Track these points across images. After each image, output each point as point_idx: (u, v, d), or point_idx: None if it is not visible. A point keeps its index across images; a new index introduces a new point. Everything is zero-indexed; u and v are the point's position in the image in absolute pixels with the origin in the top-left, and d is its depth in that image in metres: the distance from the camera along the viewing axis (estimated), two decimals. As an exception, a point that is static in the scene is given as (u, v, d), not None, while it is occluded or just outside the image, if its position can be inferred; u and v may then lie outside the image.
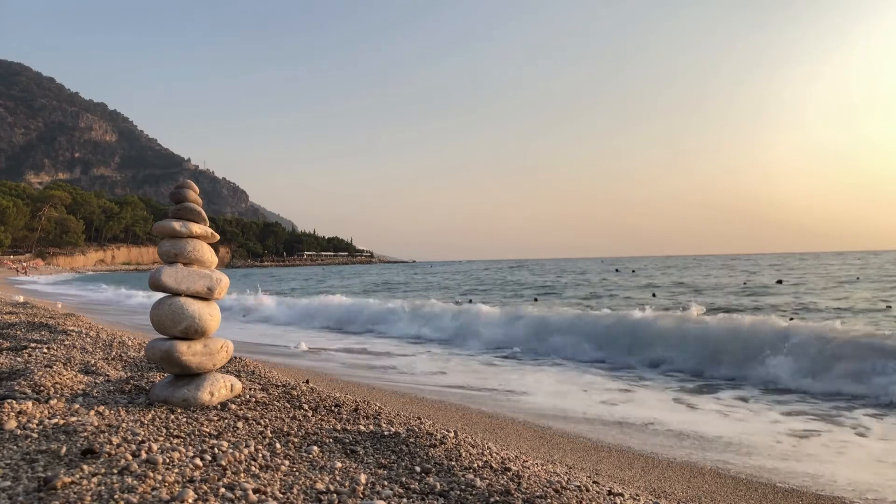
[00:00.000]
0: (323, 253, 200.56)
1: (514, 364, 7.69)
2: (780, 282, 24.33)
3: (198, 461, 1.98)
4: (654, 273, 38.18)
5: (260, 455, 2.14)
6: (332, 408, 3.07)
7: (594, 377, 6.65)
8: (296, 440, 2.40)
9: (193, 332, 2.74)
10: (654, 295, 21.29)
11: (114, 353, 4.55)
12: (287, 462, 2.12)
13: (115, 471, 1.85)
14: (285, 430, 2.53)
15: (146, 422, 2.45)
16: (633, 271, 44.13)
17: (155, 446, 2.10)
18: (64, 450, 2.01)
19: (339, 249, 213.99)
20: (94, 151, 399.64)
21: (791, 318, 11.15)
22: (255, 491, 1.81)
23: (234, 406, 2.84)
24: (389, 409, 3.39)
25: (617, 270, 44.92)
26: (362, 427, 2.70)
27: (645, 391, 5.90)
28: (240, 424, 2.54)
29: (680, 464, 3.74)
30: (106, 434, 2.19)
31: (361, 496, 1.87)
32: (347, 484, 1.95)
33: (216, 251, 3.09)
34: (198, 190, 3.02)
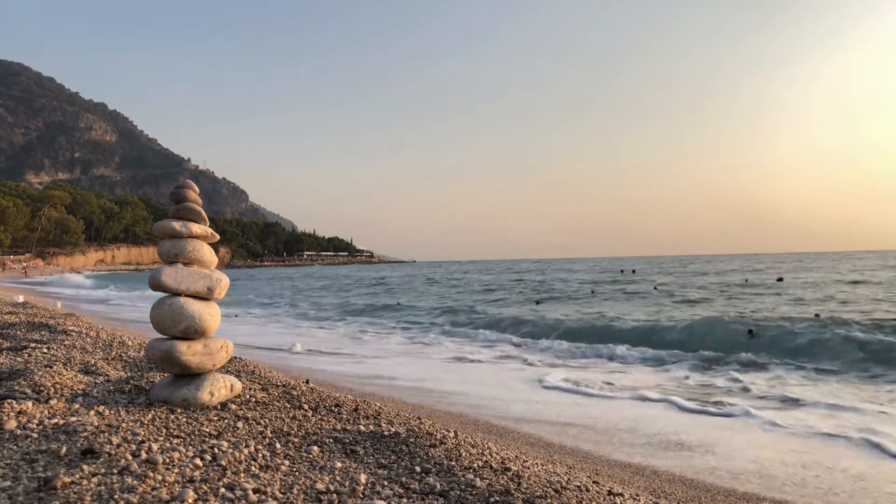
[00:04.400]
0: (323, 253, 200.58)
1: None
2: (780, 279, 24.40)
3: (198, 461, 1.98)
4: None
5: (260, 455, 2.14)
6: (332, 408, 3.07)
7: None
8: (296, 440, 2.40)
9: (193, 332, 2.74)
10: (655, 288, 21.24)
11: (114, 353, 4.55)
12: (287, 462, 2.12)
13: (115, 471, 1.85)
14: (285, 430, 2.53)
15: (146, 422, 2.45)
16: (634, 271, 44.29)
17: (155, 446, 2.09)
18: (64, 450, 2.01)
19: (339, 249, 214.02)
20: (94, 151, 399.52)
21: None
22: (255, 491, 1.81)
23: (234, 406, 2.84)
24: (389, 409, 3.39)
25: (622, 271, 45.00)
26: (362, 427, 2.70)
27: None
28: (240, 424, 2.54)
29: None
30: (106, 434, 2.19)
31: (361, 496, 1.87)
32: (347, 484, 1.95)
33: (216, 251, 3.08)
34: (198, 190, 3.02)
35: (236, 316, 16.36)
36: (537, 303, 19.66)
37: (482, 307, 17.57)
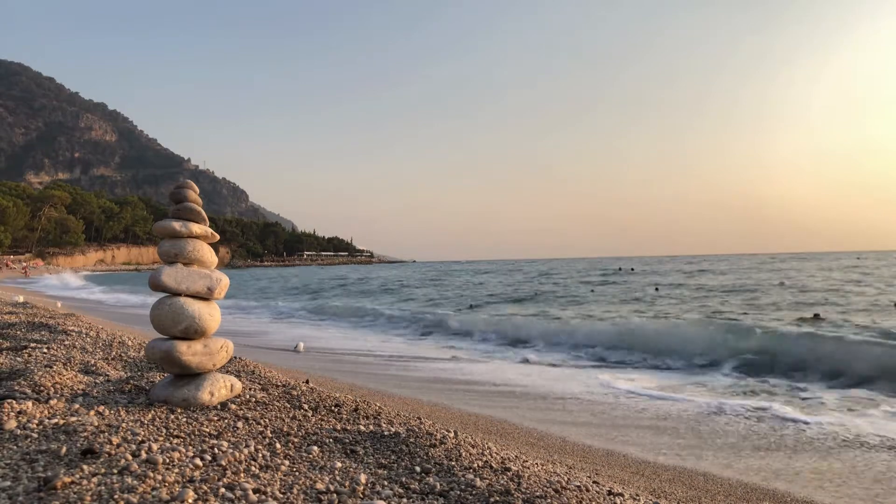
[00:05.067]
0: (323, 253, 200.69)
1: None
2: (781, 283, 24.36)
3: (198, 461, 1.98)
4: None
5: (260, 455, 2.14)
6: (332, 408, 3.07)
7: None
8: (296, 440, 2.40)
9: (193, 332, 2.74)
10: (656, 289, 21.39)
11: (114, 353, 4.55)
12: (287, 462, 2.12)
13: (115, 471, 1.85)
14: (285, 430, 2.53)
15: (146, 422, 2.45)
16: (632, 269, 44.53)
17: (155, 446, 2.09)
18: (64, 450, 2.01)
19: (339, 249, 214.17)
20: (94, 151, 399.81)
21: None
22: (255, 491, 1.81)
23: (234, 406, 2.84)
24: (389, 409, 3.39)
25: (620, 269, 45.22)
26: (362, 427, 2.70)
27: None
28: (240, 424, 2.54)
29: (680, 465, 3.74)
30: (106, 434, 2.19)
31: (361, 496, 1.87)
32: (347, 484, 1.95)
33: (216, 251, 3.08)
34: (198, 190, 3.02)
35: (265, 311, 16.01)
36: (535, 294, 19.88)
37: (492, 307, 17.49)
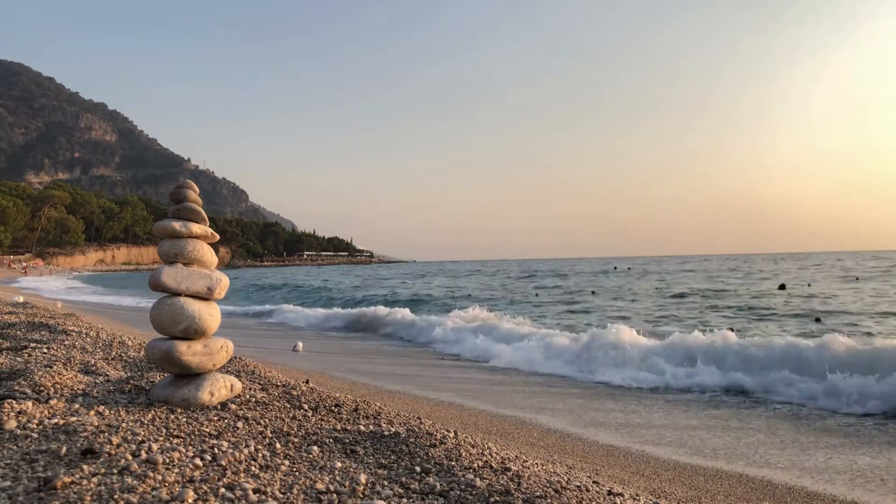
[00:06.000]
0: (323, 253, 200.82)
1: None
2: (782, 286, 24.25)
3: (198, 461, 1.98)
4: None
5: (260, 455, 2.14)
6: (332, 408, 3.07)
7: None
8: (296, 440, 2.40)
9: (193, 332, 2.74)
10: (657, 288, 21.42)
11: (114, 353, 4.55)
12: (287, 462, 2.12)
13: (115, 471, 1.85)
14: (285, 430, 2.53)
15: (146, 422, 2.45)
16: (629, 268, 44.61)
17: (155, 446, 2.09)
18: (64, 450, 2.01)
19: (339, 249, 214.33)
20: (94, 151, 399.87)
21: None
22: (255, 491, 1.81)
23: (234, 406, 2.84)
24: (389, 408, 3.39)
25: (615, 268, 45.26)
26: (362, 427, 2.70)
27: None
28: (240, 424, 2.54)
29: (680, 464, 3.74)
30: (106, 434, 2.19)
31: (361, 496, 1.87)
32: (347, 484, 1.95)
33: (216, 251, 3.08)
34: (198, 190, 3.02)
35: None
36: (536, 293, 19.93)
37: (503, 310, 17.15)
